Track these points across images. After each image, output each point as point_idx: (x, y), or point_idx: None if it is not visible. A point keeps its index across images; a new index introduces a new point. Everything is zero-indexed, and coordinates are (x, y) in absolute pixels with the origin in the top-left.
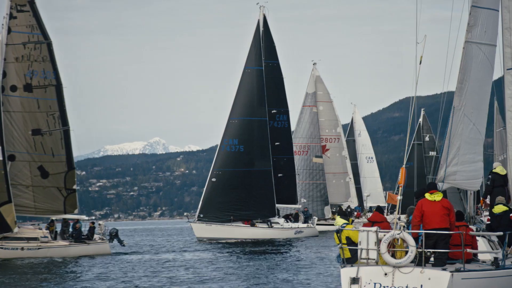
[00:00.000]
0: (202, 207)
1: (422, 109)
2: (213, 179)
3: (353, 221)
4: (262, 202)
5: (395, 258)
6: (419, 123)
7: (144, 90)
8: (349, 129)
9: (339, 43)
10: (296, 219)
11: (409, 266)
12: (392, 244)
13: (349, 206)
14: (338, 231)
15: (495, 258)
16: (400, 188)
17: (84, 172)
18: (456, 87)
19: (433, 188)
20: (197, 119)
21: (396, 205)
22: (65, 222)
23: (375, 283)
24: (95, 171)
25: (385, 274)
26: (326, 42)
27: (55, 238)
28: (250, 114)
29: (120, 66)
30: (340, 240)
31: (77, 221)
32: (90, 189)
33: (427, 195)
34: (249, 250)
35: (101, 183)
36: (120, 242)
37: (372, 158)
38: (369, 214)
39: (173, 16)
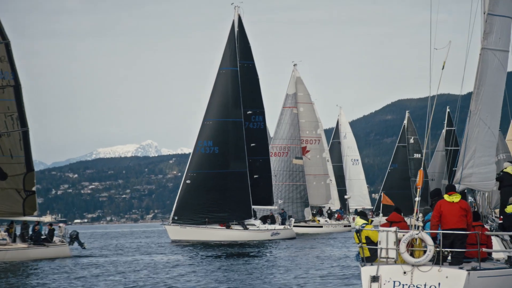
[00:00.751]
0: (176, 209)
1: (407, 112)
2: (188, 181)
3: (372, 221)
4: (237, 204)
5: (413, 257)
6: (404, 125)
7: (137, 92)
8: (334, 131)
9: (329, 45)
10: (272, 221)
11: (427, 264)
12: (410, 244)
13: (329, 208)
14: (358, 231)
15: (509, 257)
16: (418, 190)
17: (76, 175)
18: (473, 92)
19: (451, 189)
20: (190, 121)
21: (391, 206)
22: (24, 224)
23: (394, 281)
24: (88, 173)
25: (404, 272)
26: (315, 43)
27: (14, 241)
28: (225, 115)
29: (112, 69)
30: (360, 240)
31: (37, 223)
32: (82, 191)
33: (445, 196)
34: (223, 253)
35: (93, 186)
36: (81, 244)
37: (357, 160)
38: (352, 217)
39: (167, 18)
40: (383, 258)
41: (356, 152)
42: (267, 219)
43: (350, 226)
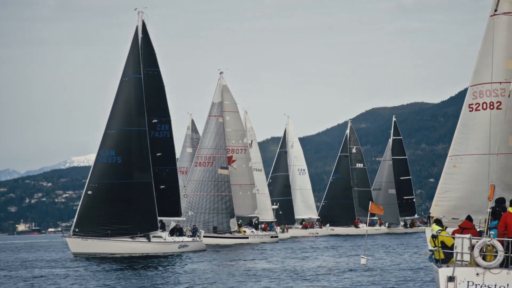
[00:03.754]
0: (77, 221)
1: (349, 121)
2: (89, 192)
3: (446, 227)
4: (142, 215)
5: (485, 261)
6: (346, 135)
7: (111, 100)
8: (281, 141)
9: (305, 53)
10: (180, 233)
11: (498, 268)
12: (482, 249)
13: (257, 218)
14: (434, 236)
15: None
16: (489, 202)
17: (50, 184)
18: None
19: None
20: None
21: (380, 215)
22: None
23: (468, 282)
24: (61, 182)
25: (477, 274)
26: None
27: None
28: (128, 124)
29: (86, 77)
30: (435, 244)
31: None
32: (56, 200)
33: (510, 209)
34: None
35: (67, 195)
36: None
37: (304, 170)
38: (286, 227)
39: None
40: (459, 261)
41: (303, 161)
42: (176, 231)
43: (277, 237)
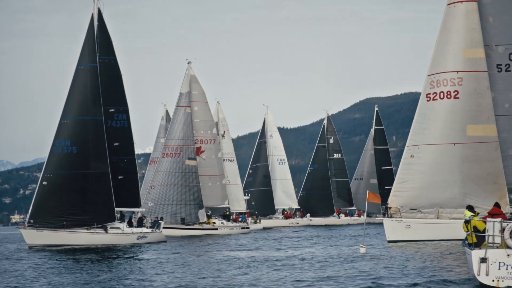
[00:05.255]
0: (32, 212)
1: (326, 111)
2: (44, 183)
3: (478, 213)
4: (99, 206)
5: None
6: (323, 125)
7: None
8: (261, 131)
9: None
10: (140, 224)
11: None
12: None
13: (229, 209)
14: (467, 221)
15: None
16: None
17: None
18: None
19: None
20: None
21: (378, 203)
22: None
23: (499, 262)
24: None
25: (508, 255)
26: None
27: None
28: (84, 113)
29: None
30: (468, 229)
31: None
32: None
33: None
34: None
35: None
36: None
37: (283, 160)
38: (252, 219)
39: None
40: (490, 243)
41: (282, 151)
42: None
43: (248, 228)
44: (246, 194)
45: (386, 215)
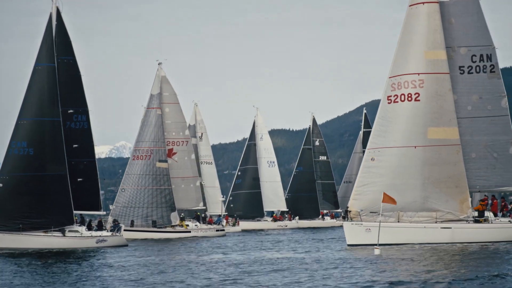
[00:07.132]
0: None
1: (312, 113)
2: (0, 185)
3: None
4: (57, 209)
5: None
6: (309, 128)
7: (111, 94)
8: (250, 133)
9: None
10: (100, 227)
11: None
12: None
13: (204, 211)
14: None
15: None
16: None
17: None
18: None
19: None
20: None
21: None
22: None
23: None
24: None
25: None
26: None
27: None
28: (41, 114)
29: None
30: None
31: None
32: None
33: None
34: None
35: None
36: None
37: (273, 162)
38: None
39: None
40: None
41: (272, 154)
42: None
43: (223, 230)
44: (222, 196)
45: (346, 219)
